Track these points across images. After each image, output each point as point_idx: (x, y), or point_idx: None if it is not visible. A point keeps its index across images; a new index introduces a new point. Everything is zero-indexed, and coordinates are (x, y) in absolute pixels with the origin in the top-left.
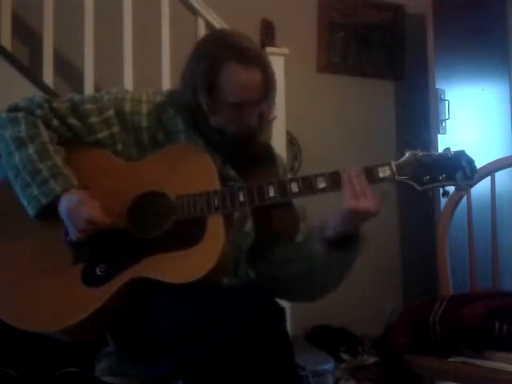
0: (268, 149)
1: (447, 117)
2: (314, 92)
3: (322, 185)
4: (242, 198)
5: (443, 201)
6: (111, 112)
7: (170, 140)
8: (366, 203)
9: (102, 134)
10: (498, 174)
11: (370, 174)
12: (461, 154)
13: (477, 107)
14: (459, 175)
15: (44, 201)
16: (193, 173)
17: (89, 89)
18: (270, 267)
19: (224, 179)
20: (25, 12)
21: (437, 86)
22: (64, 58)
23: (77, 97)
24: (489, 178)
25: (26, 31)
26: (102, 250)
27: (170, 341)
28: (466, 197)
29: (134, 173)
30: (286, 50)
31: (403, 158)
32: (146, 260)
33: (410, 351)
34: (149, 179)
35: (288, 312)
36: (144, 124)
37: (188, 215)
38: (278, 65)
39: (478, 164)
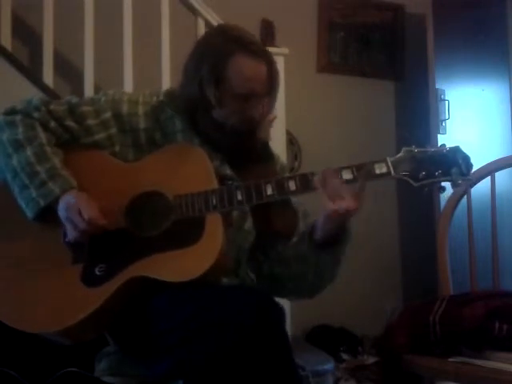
0: (265, 147)
1: (447, 117)
2: (314, 92)
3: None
4: (239, 197)
5: (443, 201)
6: (108, 114)
7: (167, 140)
8: (343, 204)
9: (100, 136)
10: (498, 174)
11: (365, 172)
12: (456, 150)
13: (477, 107)
14: (455, 171)
15: (42, 202)
16: (191, 172)
17: (89, 89)
18: (269, 266)
19: (222, 178)
20: (25, 12)
21: (437, 86)
22: (64, 58)
23: (74, 99)
24: (489, 178)
25: (26, 31)
26: (100, 250)
27: (169, 340)
28: (465, 197)
29: (132, 173)
30: (286, 50)
31: (399, 155)
32: (145, 259)
33: (410, 351)
34: (147, 179)
35: (288, 312)
36: (141, 125)
37: (186, 215)
38: (277, 65)
39: (478, 164)
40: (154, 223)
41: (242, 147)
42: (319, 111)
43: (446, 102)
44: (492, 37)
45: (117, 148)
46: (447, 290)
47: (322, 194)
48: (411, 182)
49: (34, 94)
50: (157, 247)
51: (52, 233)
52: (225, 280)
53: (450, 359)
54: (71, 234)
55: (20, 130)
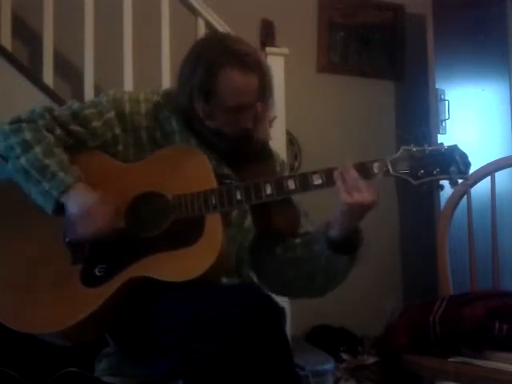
0: (264, 145)
1: (447, 117)
2: (314, 92)
3: (318, 181)
4: (239, 196)
5: (443, 201)
6: (112, 114)
7: (166, 140)
8: (360, 197)
9: (106, 137)
10: (498, 174)
11: (364, 168)
12: (454, 148)
13: (477, 107)
14: (453, 169)
15: (55, 193)
16: (190, 173)
17: (89, 89)
18: (274, 265)
19: (220, 177)
20: (25, 12)
21: (437, 86)
22: (64, 58)
23: (76, 104)
24: (489, 178)
25: (26, 31)
26: (100, 250)
27: (169, 340)
28: (465, 197)
29: (132, 174)
30: (286, 50)
31: (397, 154)
32: (145, 259)
33: (410, 351)
34: (146, 180)
35: (288, 312)
36: (143, 124)
37: (186, 215)
38: (277, 65)
39: (478, 164)
40: (153, 223)
41: (239, 149)
42: (319, 111)
43: (446, 102)
44: (492, 37)
45: (120, 148)
46: (447, 290)
47: (340, 187)
48: (410, 180)
49: (34, 94)
50: (157, 247)
51: (52, 232)
52: (225, 280)
53: (450, 359)
54: (74, 235)
55: (26, 134)
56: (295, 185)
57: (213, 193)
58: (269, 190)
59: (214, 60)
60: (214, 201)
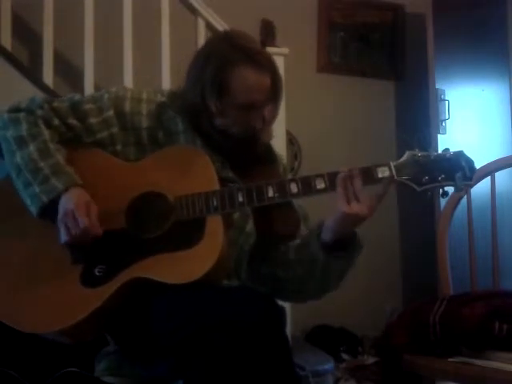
0: (268, 148)
1: (447, 117)
2: (314, 92)
3: (321, 185)
4: (240, 199)
5: (443, 201)
6: (111, 112)
7: (169, 140)
8: (357, 207)
9: (102, 135)
10: (498, 174)
11: (368, 176)
12: (460, 154)
13: (477, 107)
14: (458, 175)
15: (45, 198)
16: (192, 174)
17: (89, 89)
18: (271, 268)
19: (223, 180)
20: (25, 12)
21: (437, 86)
22: (64, 58)
23: (77, 96)
24: (489, 178)
25: (26, 31)
26: (100, 250)
27: (169, 341)
28: (465, 197)
29: (133, 173)
30: (286, 50)
31: (402, 159)
32: (145, 260)
33: (410, 351)
34: (148, 180)
35: (288, 312)
36: (144, 124)
37: (187, 216)
38: (277, 65)
39: (478, 164)
40: (154, 224)
41: (244, 151)
42: (319, 111)
43: (446, 102)
44: (492, 37)
45: (118, 147)
46: (447, 290)
47: (340, 194)
48: (414, 186)
49: (34, 94)
50: (157, 248)
51: (52, 232)
52: (226, 282)
53: (450, 359)
54: (62, 236)
55: (24, 126)
56: (298, 188)
57: (214, 194)
58: (271, 193)
59: (227, 57)
60: (215, 202)
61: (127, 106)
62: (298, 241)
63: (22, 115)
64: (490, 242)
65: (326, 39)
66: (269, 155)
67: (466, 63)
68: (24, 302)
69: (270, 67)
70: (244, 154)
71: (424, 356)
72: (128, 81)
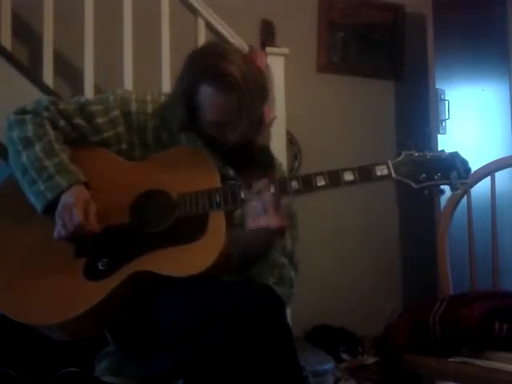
0: (267, 153)
1: (447, 117)
2: (314, 92)
3: (321, 182)
4: (243, 195)
5: (443, 201)
6: (117, 112)
7: (173, 140)
8: (266, 221)
9: (108, 134)
10: (498, 174)
11: (366, 174)
12: (455, 155)
13: (477, 107)
14: (454, 175)
15: (50, 195)
16: (195, 172)
17: (89, 89)
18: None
19: (224, 179)
20: (25, 12)
21: (437, 86)
22: (64, 58)
23: (82, 99)
24: (489, 178)
25: (26, 31)
26: (104, 244)
27: (171, 335)
28: (465, 197)
29: (137, 172)
30: (286, 50)
31: (399, 158)
32: (148, 254)
33: (410, 351)
34: (151, 178)
35: (288, 312)
36: (150, 124)
37: (190, 212)
38: (278, 65)
39: (478, 164)
40: (157, 220)
41: (240, 153)
42: (319, 111)
43: (446, 102)
44: (492, 37)
45: (124, 146)
46: (447, 290)
47: (249, 210)
48: (411, 184)
49: (34, 94)
50: (160, 243)
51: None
52: (226, 278)
53: (450, 359)
54: (57, 231)
55: (29, 127)
56: (299, 185)
57: (217, 191)
58: (272, 189)
59: (196, 75)
60: (218, 199)
61: (133, 106)
62: None
63: (28, 117)
64: (490, 242)
65: (326, 39)
66: (267, 159)
67: (466, 63)
68: (27, 295)
69: (237, 87)
70: (241, 156)
71: (424, 356)
72: (128, 81)
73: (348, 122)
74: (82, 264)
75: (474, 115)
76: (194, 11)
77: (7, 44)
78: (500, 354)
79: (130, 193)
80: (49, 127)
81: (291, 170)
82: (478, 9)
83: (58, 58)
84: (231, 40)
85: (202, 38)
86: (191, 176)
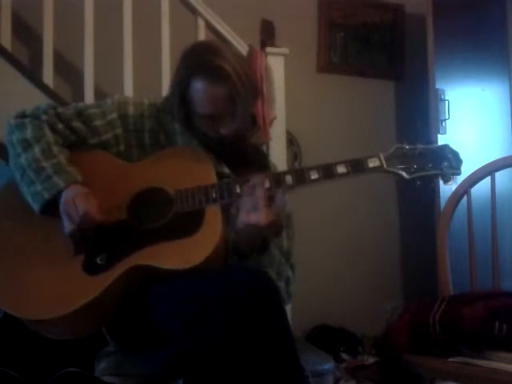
0: (261, 154)
1: (447, 117)
2: (314, 92)
3: (314, 176)
4: (238, 190)
5: (443, 201)
6: (115, 115)
7: (169, 141)
8: (255, 218)
9: (106, 136)
10: (498, 174)
11: (359, 166)
12: (445, 147)
13: (477, 107)
14: (445, 165)
15: (47, 195)
16: (191, 170)
17: (89, 89)
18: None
19: (220, 176)
20: (25, 12)
21: (437, 86)
22: (64, 58)
23: (81, 104)
24: (489, 178)
25: (26, 31)
26: (102, 240)
27: (169, 328)
28: (465, 197)
29: (135, 173)
30: (286, 50)
31: (390, 151)
32: (146, 249)
33: (410, 351)
34: (149, 177)
35: (288, 312)
36: (146, 126)
37: (187, 208)
38: (278, 65)
39: (478, 164)
40: (155, 216)
41: (233, 152)
42: (319, 111)
43: (446, 102)
44: (492, 37)
45: (122, 148)
46: (447, 290)
47: (243, 204)
48: (404, 174)
49: (34, 94)
50: (158, 237)
51: (56, 226)
52: None
53: (450, 359)
54: (66, 226)
55: (28, 130)
56: (292, 179)
57: (213, 187)
58: (267, 184)
59: (188, 70)
60: (214, 194)
61: (130, 109)
62: None
63: (27, 120)
64: (490, 242)
65: (326, 39)
66: (261, 160)
67: (466, 63)
68: (26, 291)
69: (229, 80)
70: (235, 156)
71: (424, 356)
72: (128, 81)
73: (348, 122)
74: (81, 259)
75: (474, 115)
76: (194, 11)
77: (7, 44)
78: (500, 353)
79: (128, 192)
80: (47, 130)
81: None
82: (478, 9)
83: (58, 58)
84: (231, 40)
85: (201, 38)
86: (188, 172)
